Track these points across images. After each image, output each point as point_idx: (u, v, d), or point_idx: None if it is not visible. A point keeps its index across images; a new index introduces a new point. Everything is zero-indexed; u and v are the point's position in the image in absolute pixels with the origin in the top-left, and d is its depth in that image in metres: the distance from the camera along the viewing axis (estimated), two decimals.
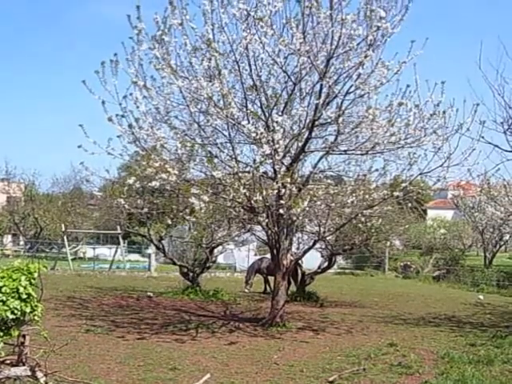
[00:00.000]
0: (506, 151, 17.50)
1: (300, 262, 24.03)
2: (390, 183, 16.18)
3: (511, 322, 20.62)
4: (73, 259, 41.68)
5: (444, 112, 15.44)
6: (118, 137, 14.91)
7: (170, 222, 21.70)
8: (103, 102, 14.42)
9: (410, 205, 24.78)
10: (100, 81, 14.36)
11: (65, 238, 40.84)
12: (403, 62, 14.33)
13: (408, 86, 15.06)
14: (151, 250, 36.03)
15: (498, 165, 17.75)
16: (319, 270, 26.74)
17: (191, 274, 25.01)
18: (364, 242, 24.13)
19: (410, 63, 14.53)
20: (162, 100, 15.46)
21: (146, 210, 19.26)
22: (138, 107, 14.98)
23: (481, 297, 29.16)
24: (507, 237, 43.39)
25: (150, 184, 15.10)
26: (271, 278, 21.12)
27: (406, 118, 15.26)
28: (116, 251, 41.57)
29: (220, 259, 40.53)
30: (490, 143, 16.88)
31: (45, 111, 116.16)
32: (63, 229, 41.16)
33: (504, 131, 17.37)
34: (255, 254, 35.51)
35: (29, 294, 8.55)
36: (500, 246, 45.90)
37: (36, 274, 8.71)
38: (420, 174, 15.92)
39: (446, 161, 15.52)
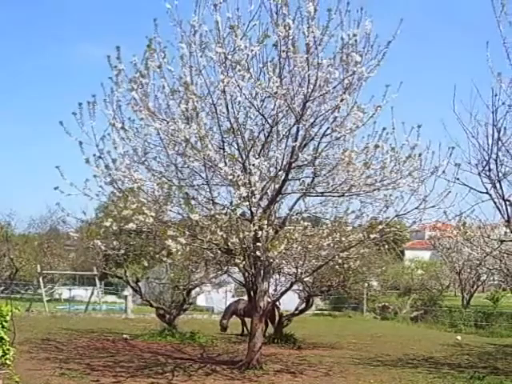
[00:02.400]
0: (481, 192, 17.64)
1: (277, 303, 23.95)
2: (367, 225, 16.28)
3: (489, 363, 20.64)
4: (48, 301, 41.17)
5: (420, 155, 15.65)
6: (94, 177, 14.89)
7: (146, 263, 21.59)
8: (80, 143, 14.41)
9: (386, 246, 24.86)
10: (77, 122, 14.38)
11: (40, 279, 40.43)
12: (378, 106, 14.53)
13: (384, 128, 15.29)
14: (128, 291, 35.74)
15: (473, 206, 17.91)
16: (297, 312, 26.67)
17: (168, 316, 24.80)
18: (341, 283, 24.19)
19: (386, 106, 14.78)
20: (140, 142, 15.48)
21: (122, 251, 19.15)
22: (115, 148, 14.98)
23: (459, 337, 29.20)
24: (484, 277, 43.59)
25: (126, 226, 15.02)
26: (248, 320, 21.01)
27: (382, 160, 15.45)
28: (92, 293, 41.21)
29: (201, 301, 40.38)
30: (465, 185, 17.02)
31: (21, 151, 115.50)
32: (39, 270, 40.75)
33: (478, 173, 17.52)
34: (233, 296, 35.37)
35: (1, 338, 8.45)
36: (477, 287, 46.19)
37: (8, 317, 8.62)
38: (396, 215, 16.10)
39: (422, 203, 15.70)
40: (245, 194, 14.01)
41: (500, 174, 17.45)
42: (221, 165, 14.40)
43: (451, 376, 17.10)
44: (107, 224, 15.09)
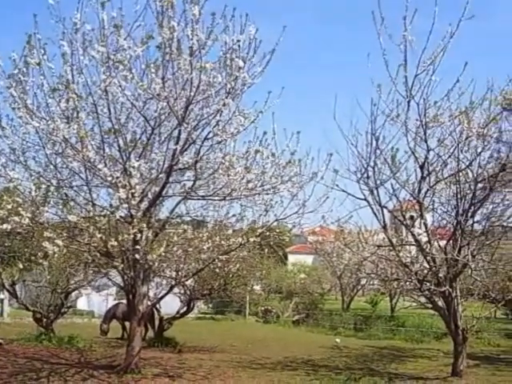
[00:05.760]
0: (359, 199, 18.19)
1: (158, 306, 23.79)
2: (247, 229, 16.45)
3: (365, 365, 21.24)
4: None
5: (300, 160, 15.95)
6: None
7: (21, 265, 20.93)
8: None
9: (266, 250, 25.09)
10: None
11: None
12: (260, 112, 14.68)
13: (265, 133, 15.42)
14: (3, 294, 34.51)
15: (351, 212, 18.41)
16: (178, 315, 26.54)
17: (45, 320, 24.16)
18: (223, 286, 24.26)
19: (268, 112, 14.92)
20: (18, 140, 15.02)
21: None
22: None
23: (337, 340, 29.85)
24: (364, 281, 44.77)
25: (1, 227, 14.50)
26: (128, 324, 20.74)
27: (263, 165, 15.64)
28: None
29: (82, 305, 39.48)
30: (343, 191, 17.51)
31: None
32: None
33: (357, 180, 18.07)
34: (115, 299, 34.82)
35: None
36: (357, 291, 47.42)
37: None
38: (276, 220, 16.35)
39: (301, 208, 16.00)
40: (124, 196, 13.82)
41: (377, 182, 18.06)
42: (100, 166, 14.15)
43: (328, 378, 17.47)
44: None
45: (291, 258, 61.75)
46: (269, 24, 16.12)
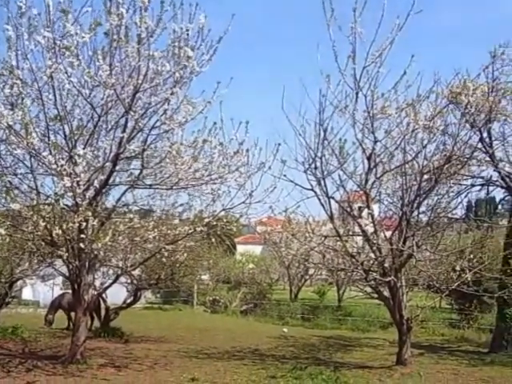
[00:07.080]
0: (307, 189, 18.24)
1: (104, 296, 23.56)
2: (194, 218, 16.43)
3: (312, 354, 21.40)
4: None
5: (247, 150, 15.96)
6: None
7: None
8: None
9: (214, 240, 24.92)
10: None
11: None
12: (208, 102, 14.62)
13: (215, 123, 15.40)
14: None
15: (298, 202, 18.43)
16: (124, 305, 26.36)
17: None
18: (170, 276, 24.14)
19: (216, 102, 14.86)
20: None
21: None
22: None
23: (285, 330, 29.97)
24: (312, 271, 44.96)
25: None
26: (74, 314, 20.52)
27: (211, 154, 15.61)
28: None
29: (27, 295, 38.80)
30: (291, 181, 17.55)
31: None
32: None
33: (304, 170, 18.13)
34: (61, 289, 34.36)
35: None
36: (305, 281, 47.60)
37: None
38: (223, 209, 16.36)
39: (248, 198, 16.02)
40: (69, 185, 13.65)
41: (325, 172, 18.15)
42: (45, 153, 13.95)
43: (275, 367, 17.55)
44: None
45: (240, 248, 61.54)
46: (221, 12, 16.03)
